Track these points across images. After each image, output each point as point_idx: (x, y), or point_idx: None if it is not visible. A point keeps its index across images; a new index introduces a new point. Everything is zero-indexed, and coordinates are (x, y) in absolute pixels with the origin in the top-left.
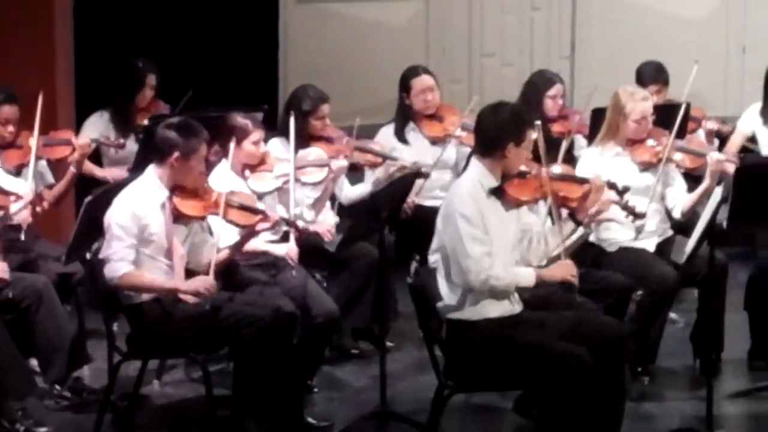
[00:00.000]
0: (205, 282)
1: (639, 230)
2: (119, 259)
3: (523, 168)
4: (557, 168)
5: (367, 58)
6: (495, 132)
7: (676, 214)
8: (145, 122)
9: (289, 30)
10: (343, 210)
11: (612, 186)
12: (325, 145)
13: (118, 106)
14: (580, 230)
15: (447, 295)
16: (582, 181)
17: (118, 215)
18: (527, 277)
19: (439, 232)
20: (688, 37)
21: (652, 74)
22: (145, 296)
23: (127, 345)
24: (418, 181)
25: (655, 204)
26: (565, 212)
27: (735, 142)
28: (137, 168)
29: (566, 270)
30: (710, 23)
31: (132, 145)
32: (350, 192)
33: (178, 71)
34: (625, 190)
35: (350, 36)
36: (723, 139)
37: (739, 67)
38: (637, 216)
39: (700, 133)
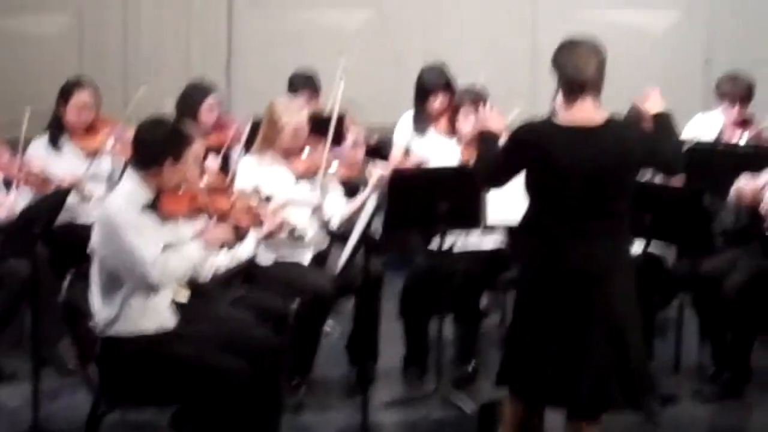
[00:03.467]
0: None
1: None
2: None
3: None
4: (206, 179)
5: (21, 69)
6: (154, 149)
7: (334, 224)
8: None
9: None
10: None
11: (257, 193)
12: None
13: None
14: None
15: (101, 310)
16: (228, 192)
17: None
18: (195, 248)
19: (98, 249)
20: (342, 47)
21: (302, 82)
22: None
23: None
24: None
25: (312, 215)
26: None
27: (396, 156)
28: None
29: (222, 232)
30: (364, 34)
31: None
32: None
33: None
34: (268, 199)
35: (4, 47)
36: (371, 148)
37: (397, 76)
38: (297, 238)
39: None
